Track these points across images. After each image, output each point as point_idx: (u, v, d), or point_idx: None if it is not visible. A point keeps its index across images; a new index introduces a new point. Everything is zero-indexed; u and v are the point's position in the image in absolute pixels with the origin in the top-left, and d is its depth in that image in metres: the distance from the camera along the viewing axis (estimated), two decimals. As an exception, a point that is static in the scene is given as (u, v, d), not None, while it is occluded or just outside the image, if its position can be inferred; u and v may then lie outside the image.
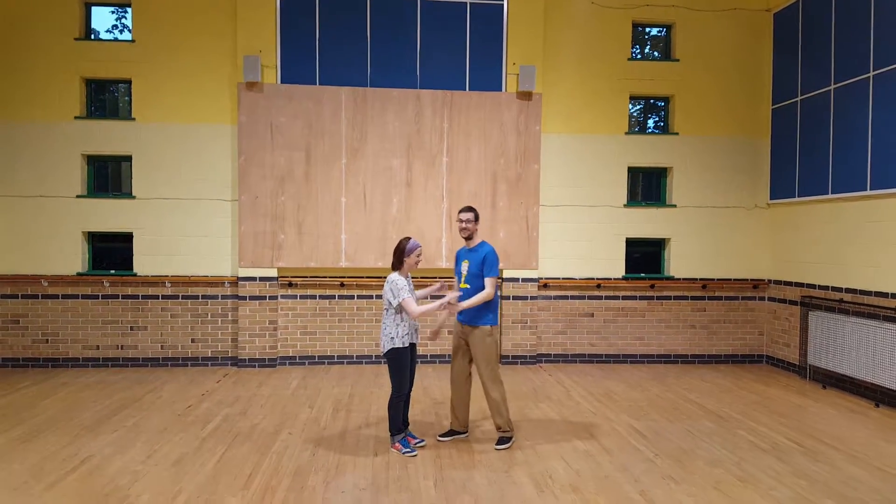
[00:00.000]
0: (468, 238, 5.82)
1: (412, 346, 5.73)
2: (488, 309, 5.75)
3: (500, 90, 9.31)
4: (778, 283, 9.52)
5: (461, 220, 5.78)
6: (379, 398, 7.49)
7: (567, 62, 9.55)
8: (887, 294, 7.43)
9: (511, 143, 9.27)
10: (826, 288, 8.44)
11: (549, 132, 9.48)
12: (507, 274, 9.36)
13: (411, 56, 9.25)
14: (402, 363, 5.59)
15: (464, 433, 6.04)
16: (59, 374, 8.60)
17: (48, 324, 8.96)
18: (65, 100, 8.94)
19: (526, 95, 9.25)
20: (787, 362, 9.28)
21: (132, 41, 9.02)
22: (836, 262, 8.28)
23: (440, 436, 6.03)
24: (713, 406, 7.34)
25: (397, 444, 5.68)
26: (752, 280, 9.76)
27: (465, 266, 5.81)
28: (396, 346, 5.52)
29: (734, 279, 9.76)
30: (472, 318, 5.75)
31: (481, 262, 5.71)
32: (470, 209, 5.82)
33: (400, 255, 5.62)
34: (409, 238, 5.70)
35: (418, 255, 5.65)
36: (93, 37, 9.27)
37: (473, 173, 9.24)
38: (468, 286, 5.75)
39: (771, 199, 9.62)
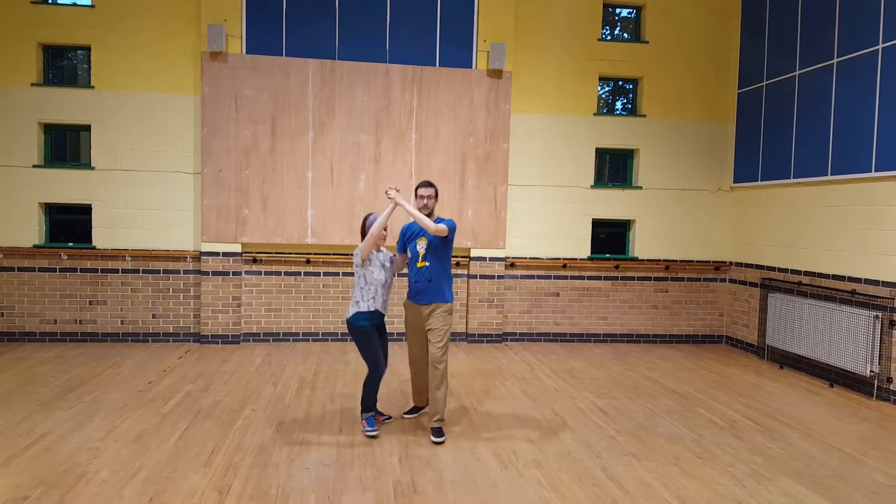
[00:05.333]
0: (428, 214, 5.55)
1: (381, 325, 5.67)
2: (449, 286, 5.67)
3: (471, 67, 9.22)
4: (739, 265, 9.70)
5: (423, 196, 5.56)
6: (345, 375, 7.46)
7: (538, 41, 9.50)
8: (844, 277, 7.62)
9: (481, 122, 9.21)
10: (785, 270, 8.62)
11: (519, 111, 9.44)
12: (474, 253, 9.36)
13: (381, 29, 9.10)
14: (366, 341, 5.51)
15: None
16: (15, 348, 8.39)
17: (3, 297, 8.71)
18: (20, 66, 8.61)
19: (496, 73, 9.19)
20: (746, 343, 9.49)
21: (91, 6, 8.71)
22: (795, 245, 8.46)
23: (405, 413, 6.04)
24: (673, 385, 7.48)
25: (363, 422, 5.67)
26: (713, 262, 9.93)
27: (421, 244, 5.60)
28: (361, 309, 5.45)
29: (697, 261, 9.91)
30: (434, 295, 5.56)
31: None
32: (432, 185, 5.65)
33: (364, 230, 5.59)
34: (372, 213, 5.67)
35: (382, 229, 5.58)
36: (50, 1, 8.92)
37: (442, 151, 9.17)
38: (427, 263, 5.56)
39: (734, 182, 9.75)
